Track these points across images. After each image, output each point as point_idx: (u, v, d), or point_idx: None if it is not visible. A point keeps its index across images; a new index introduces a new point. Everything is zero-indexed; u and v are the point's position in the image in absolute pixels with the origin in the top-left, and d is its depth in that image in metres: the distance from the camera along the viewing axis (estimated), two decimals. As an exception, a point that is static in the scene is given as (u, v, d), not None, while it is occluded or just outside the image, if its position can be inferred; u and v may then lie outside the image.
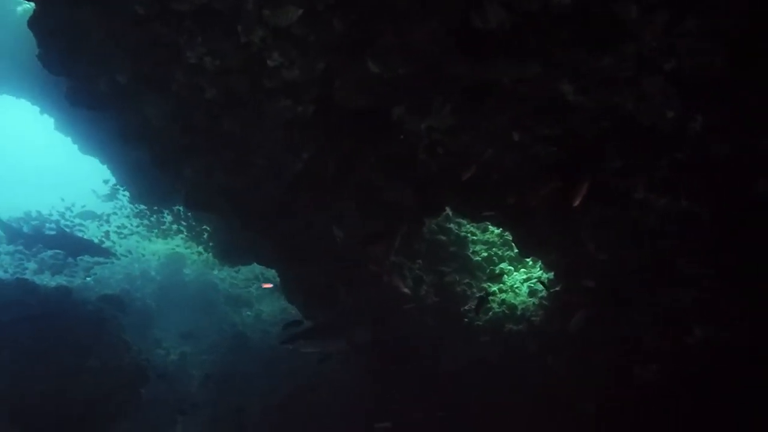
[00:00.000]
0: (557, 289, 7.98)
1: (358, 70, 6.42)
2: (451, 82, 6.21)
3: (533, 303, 8.52)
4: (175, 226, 18.19)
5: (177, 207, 17.10)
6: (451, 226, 10.46)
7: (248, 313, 19.59)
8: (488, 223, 10.13)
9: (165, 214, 17.44)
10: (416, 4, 5.72)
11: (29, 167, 44.97)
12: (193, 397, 14.56)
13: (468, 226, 10.63)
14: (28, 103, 16.61)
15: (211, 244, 17.17)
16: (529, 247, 7.68)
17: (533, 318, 8.25)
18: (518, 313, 8.57)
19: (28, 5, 13.17)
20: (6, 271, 14.83)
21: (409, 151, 7.14)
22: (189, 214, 16.67)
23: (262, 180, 7.75)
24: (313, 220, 8.35)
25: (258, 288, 19.62)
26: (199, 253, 18.43)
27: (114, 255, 15.37)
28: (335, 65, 6.49)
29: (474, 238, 10.42)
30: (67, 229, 16.79)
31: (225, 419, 13.94)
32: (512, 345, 8.33)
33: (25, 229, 14.26)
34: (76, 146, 17.14)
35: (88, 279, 19.26)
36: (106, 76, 6.93)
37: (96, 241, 14.56)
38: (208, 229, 16.65)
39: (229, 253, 15.72)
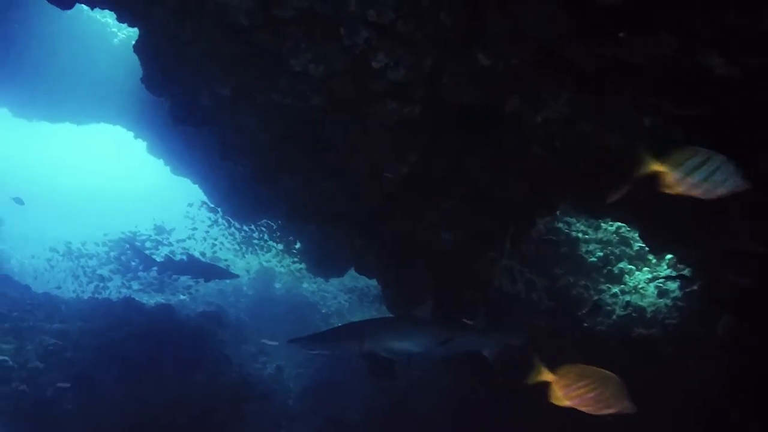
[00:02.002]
0: (695, 288, 7.23)
1: (467, 64, 6.04)
2: (568, 67, 5.70)
3: (665, 304, 7.78)
4: (264, 241, 18.43)
5: (267, 221, 17.33)
6: (560, 225, 9.86)
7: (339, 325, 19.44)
8: (606, 220, 9.49)
9: (255, 229, 17.69)
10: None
11: (123, 190, 47.46)
12: (290, 410, 14.55)
13: (579, 224, 9.98)
14: (123, 130, 17.37)
15: (302, 256, 17.26)
16: (661, 241, 6.99)
17: (668, 321, 7.51)
18: (648, 315, 7.85)
19: (123, 36, 13.73)
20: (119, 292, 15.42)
21: (522, 146, 6.66)
22: (278, 226, 16.83)
23: (365, 186, 7.48)
24: (418, 223, 7.98)
25: (348, 300, 19.57)
26: (294, 262, 18.47)
27: (238, 276, 15.72)
28: (442, 61, 6.14)
29: (586, 236, 9.76)
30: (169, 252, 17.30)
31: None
32: (643, 350, 7.62)
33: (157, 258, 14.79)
34: (167, 168, 17.80)
35: (183, 297, 19.86)
36: (208, 90, 6.89)
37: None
38: (300, 241, 16.73)
39: (322, 264, 15.70)
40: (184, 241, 19.99)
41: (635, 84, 5.40)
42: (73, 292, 16.24)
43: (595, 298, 8.42)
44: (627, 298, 8.40)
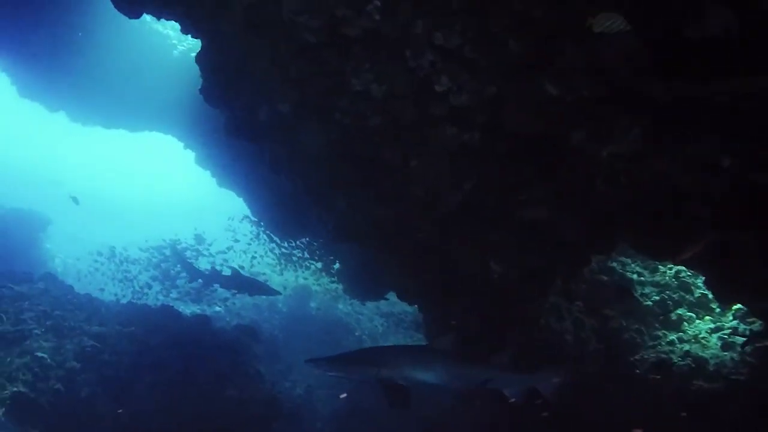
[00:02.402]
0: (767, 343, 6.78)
1: (533, 93, 5.84)
2: (642, 103, 5.45)
3: (731, 358, 7.31)
4: (304, 258, 18.36)
5: (309, 239, 17.27)
6: (614, 265, 9.47)
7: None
8: (665, 262, 9.08)
9: (296, 246, 17.64)
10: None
11: (170, 199, 48.46)
12: (319, 433, 14.31)
13: (634, 265, 9.58)
14: (174, 139, 17.66)
15: (339, 276, 17.12)
16: (730, 291, 6.57)
17: (734, 376, 7.04)
18: (710, 368, 7.39)
19: (183, 48, 14.02)
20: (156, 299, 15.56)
21: (584, 181, 6.39)
22: (319, 245, 16.76)
23: (417, 212, 7.29)
24: (467, 254, 7.73)
25: (383, 324, 19.32)
26: (331, 282, 18.35)
27: (279, 293, 15.76)
28: (507, 89, 5.95)
29: (642, 279, 9.33)
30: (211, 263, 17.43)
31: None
32: (702, 405, 7.15)
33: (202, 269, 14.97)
34: (214, 180, 18.00)
35: (218, 309, 19.93)
36: (267, 105, 6.85)
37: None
38: (339, 261, 16.60)
39: (360, 286, 15.53)
40: (225, 252, 20.12)
41: (716, 123, 5.11)
42: (114, 295, 16.45)
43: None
44: (686, 347, 7.95)
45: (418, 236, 7.58)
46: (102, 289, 17.09)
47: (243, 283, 14.01)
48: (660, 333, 8.60)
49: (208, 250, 20.20)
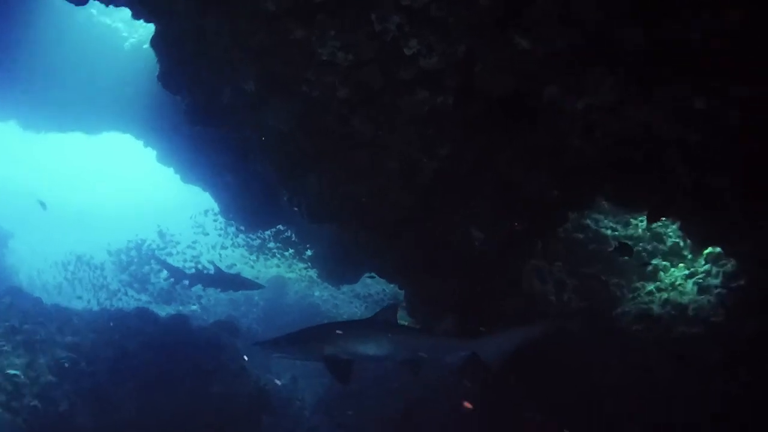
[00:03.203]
0: (741, 282, 6.88)
1: (504, 48, 5.74)
2: (617, 50, 5.41)
3: (707, 301, 7.42)
4: (277, 248, 18.11)
5: (280, 227, 17.01)
6: (588, 222, 9.53)
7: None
8: (639, 215, 9.16)
9: (268, 236, 17.36)
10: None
11: (134, 201, 47.22)
12: (308, 422, 14.19)
13: (606, 221, 9.65)
14: (133, 138, 17.09)
15: (313, 262, 16.94)
16: (709, 235, 6.64)
17: (713, 318, 7.15)
18: (690, 313, 7.49)
19: (134, 40, 13.49)
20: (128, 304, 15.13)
21: (558, 138, 6.35)
22: (293, 232, 16.52)
23: (392, 184, 7.16)
24: (446, 223, 7.66)
25: (361, 306, 19.23)
26: (305, 269, 18.16)
27: (263, 286, 15.35)
28: (478, 47, 5.84)
29: (615, 233, 9.41)
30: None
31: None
32: (687, 353, 7.25)
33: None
34: (178, 177, 17.50)
35: (194, 307, 19.54)
36: (230, 85, 6.59)
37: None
38: (312, 247, 16.41)
39: (335, 270, 15.36)
40: (192, 248, 19.76)
41: (690, 65, 5.10)
42: (87, 302, 15.97)
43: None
44: (664, 295, 8.05)
45: (396, 210, 7.46)
46: (80, 297, 16.60)
47: (226, 281, 13.85)
48: (638, 285, 8.70)
49: (175, 247, 19.75)
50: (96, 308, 13.19)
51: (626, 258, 7.76)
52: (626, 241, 8.32)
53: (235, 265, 19.45)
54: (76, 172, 51.63)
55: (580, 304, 8.75)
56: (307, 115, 6.46)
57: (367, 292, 19.14)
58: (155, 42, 6.81)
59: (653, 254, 8.91)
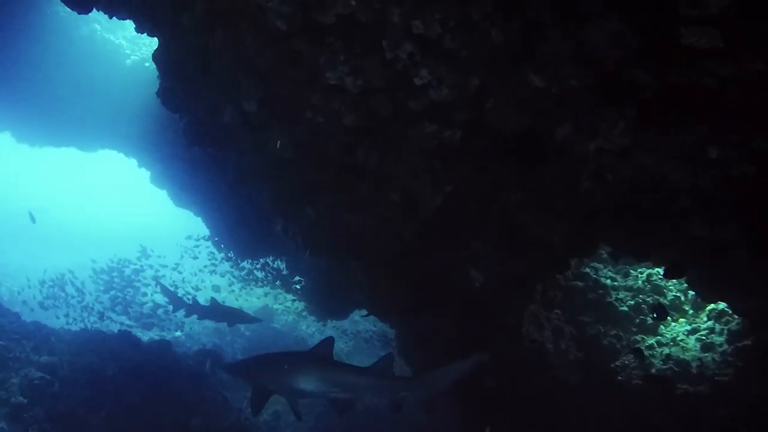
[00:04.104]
0: (748, 342, 6.64)
1: (517, 85, 5.60)
2: (629, 93, 5.27)
3: (712, 359, 7.15)
4: (265, 278, 17.78)
5: (271, 258, 16.70)
6: (588, 270, 9.33)
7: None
8: (639, 266, 8.98)
9: (257, 267, 17.02)
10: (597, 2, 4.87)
11: (124, 223, 46.70)
12: (288, 461, 13.63)
13: (606, 270, 9.45)
14: (127, 158, 16.87)
15: (303, 295, 16.60)
16: (716, 289, 6.42)
17: (718, 378, 6.87)
18: (693, 371, 7.21)
19: (136, 58, 13.41)
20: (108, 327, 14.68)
21: (569, 179, 6.16)
22: (286, 263, 16.20)
23: (393, 218, 6.93)
24: (446, 262, 7.41)
25: (347, 343, 18.81)
26: (293, 300, 17.79)
27: (260, 320, 15.08)
28: (490, 81, 5.70)
29: (615, 284, 9.21)
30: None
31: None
32: (689, 412, 6.95)
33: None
34: (170, 201, 17.23)
35: (177, 333, 19.01)
36: (231, 106, 6.40)
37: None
38: (302, 280, 16.08)
39: (324, 305, 15.03)
40: (174, 268, 19.42)
41: (705, 112, 4.96)
42: (67, 322, 15.48)
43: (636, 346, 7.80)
44: (666, 350, 7.79)
45: (395, 245, 7.21)
46: (66, 316, 16.12)
47: (222, 313, 13.54)
48: (638, 338, 8.45)
49: (153, 266, 19.33)
50: (76, 329, 12.69)
51: (660, 320, 7.51)
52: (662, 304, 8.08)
53: (219, 290, 19.10)
54: (68, 187, 51.28)
55: (578, 353, 8.47)
56: (310, 141, 6.26)
57: (356, 329, 18.77)
58: (157, 57, 6.65)
59: (653, 308, 8.68)
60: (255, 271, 17.49)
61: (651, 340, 8.19)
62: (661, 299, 8.79)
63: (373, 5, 5.39)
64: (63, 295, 17.03)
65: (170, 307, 14.68)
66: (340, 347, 19.27)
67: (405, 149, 6.19)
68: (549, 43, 5.25)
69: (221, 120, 6.62)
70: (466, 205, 6.64)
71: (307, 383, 6.34)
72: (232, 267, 17.48)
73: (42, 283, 17.58)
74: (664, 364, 7.57)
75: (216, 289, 18.79)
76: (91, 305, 16.77)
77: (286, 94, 5.97)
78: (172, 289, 16.10)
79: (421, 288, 7.96)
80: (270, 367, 6.74)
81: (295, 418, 15.51)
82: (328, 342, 6.63)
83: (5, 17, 11.55)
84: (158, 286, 16.81)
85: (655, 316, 7.67)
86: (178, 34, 6.22)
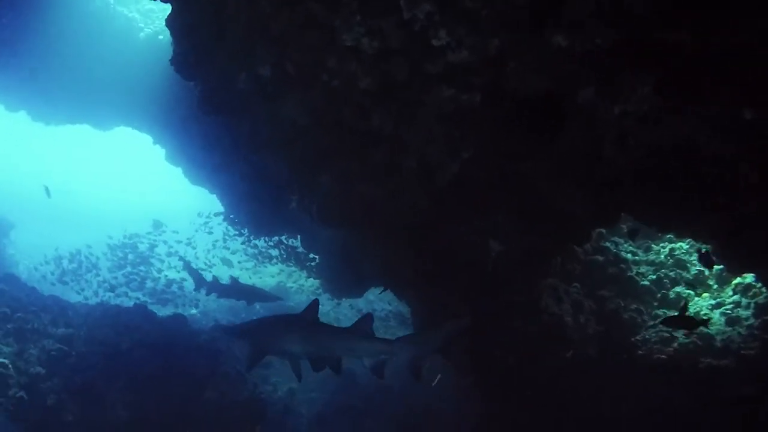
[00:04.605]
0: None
1: (539, 46, 5.40)
2: (660, 53, 5.05)
3: (738, 333, 6.98)
4: (280, 256, 17.74)
5: (286, 236, 16.65)
6: (608, 245, 9.13)
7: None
8: (663, 239, 8.78)
9: (271, 245, 16.98)
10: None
11: (139, 201, 47.01)
12: (303, 437, 13.70)
13: (626, 245, 9.26)
14: (143, 134, 16.82)
15: (318, 272, 16.55)
16: (745, 260, 6.22)
17: (744, 351, 6.70)
18: (718, 344, 7.05)
19: (150, 30, 13.27)
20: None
21: (590, 145, 5.98)
22: (300, 239, 16.14)
23: (409, 186, 6.80)
24: (462, 233, 7.27)
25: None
26: (308, 279, 17.75)
27: (281, 298, 15.27)
28: (511, 43, 5.50)
29: (636, 258, 9.01)
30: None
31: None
32: (714, 385, 6.80)
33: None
34: (185, 179, 17.19)
35: (193, 311, 19.11)
36: (247, 71, 6.27)
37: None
38: (317, 256, 16.01)
39: (339, 282, 14.95)
40: (187, 243, 19.45)
41: (741, 74, 4.73)
42: (84, 298, 15.61)
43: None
44: (692, 325, 7.60)
45: (411, 215, 7.08)
46: (81, 291, 16.26)
47: (242, 292, 13.67)
48: (660, 312, 8.28)
49: (167, 241, 19.35)
50: (93, 302, 12.77)
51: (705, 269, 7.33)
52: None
53: (231, 265, 19.15)
54: (82, 165, 51.58)
55: (597, 327, 8.33)
56: (325, 106, 6.12)
57: (371, 309, 18.73)
58: (170, 22, 6.52)
59: (676, 282, 8.50)
60: (270, 249, 17.47)
61: (673, 314, 8.01)
62: (685, 273, 8.60)
63: (390, -37, 5.23)
64: (79, 270, 17.15)
65: (184, 283, 14.72)
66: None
67: (421, 114, 6.03)
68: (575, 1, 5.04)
69: (236, 86, 6.50)
70: (483, 173, 6.48)
71: (293, 344, 6.73)
72: (243, 243, 17.46)
73: (57, 259, 17.70)
74: (686, 338, 7.39)
75: (227, 263, 18.77)
76: (105, 281, 16.86)
77: (300, 58, 5.82)
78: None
79: (436, 260, 7.84)
80: (263, 330, 7.28)
81: (309, 395, 15.56)
82: (314, 305, 6.91)
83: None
84: (183, 264, 16.91)
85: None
86: (191, -3, 6.10)
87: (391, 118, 6.11)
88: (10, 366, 8.66)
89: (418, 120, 6.10)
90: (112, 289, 16.35)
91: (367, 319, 6.72)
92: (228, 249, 18.60)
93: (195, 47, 6.50)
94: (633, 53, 5.11)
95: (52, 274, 17.23)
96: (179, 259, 18.11)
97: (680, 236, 7.89)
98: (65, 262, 17.49)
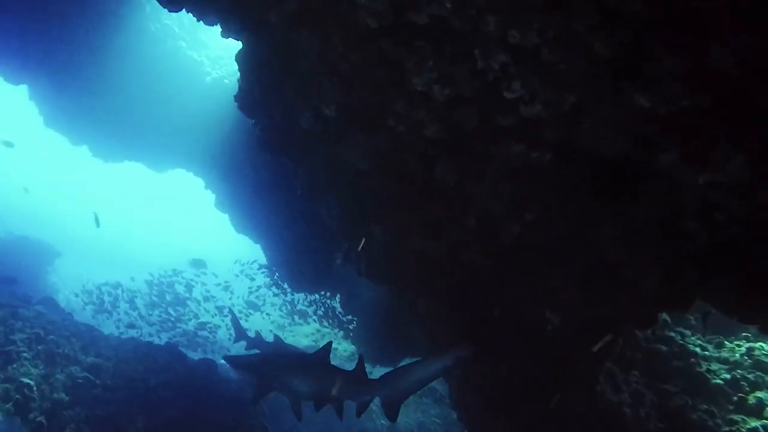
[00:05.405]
0: None
1: (618, 105, 5.08)
2: (754, 119, 4.65)
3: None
4: (317, 315, 17.42)
5: (325, 292, 16.34)
6: (672, 334, 8.41)
7: (382, 421, 18.13)
8: (740, 336, 8.04)
9: (314, 302, 16.65)
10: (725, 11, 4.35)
11: (183, 247, 47.75)
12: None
13: (694, 337, 8.51)
14: (195, 177, 17.08)
15: (355, 338, 16.06)
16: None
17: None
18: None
19: (216, 74, 13.66)
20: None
21: (669, 215, 5.50)
22: (335, 302, 15.80)
23: (466, 245, 6.41)
24: (518, 300, 6.77)
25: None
26: (344, 341, 17.30)
27: None
28: (588, 100, 5.21)
29: (705, 353, 8.24)
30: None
31: None
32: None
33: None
34: (231, 226, 17.24)
35: (223, 361, 18.73)
36: (311, 110, 6.15)
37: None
38: (354, 320, 15.58)
39: (378, 347, 14.39)
40: (225, 287, 19.37)
41: None
42: (117, 329, 15.52)
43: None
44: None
45: (467, 274, 6.65)
46: (119, 319, 16.26)
47: (285, 353, 13.19)
48: (737, 417, 7.42)
49: (205, 282, 19.26)
50: (125, 336, 12.59)
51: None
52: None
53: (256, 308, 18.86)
54: (132, 203, 53.08)
55: (660, 424, 7.52)
56: (388, 152, 5.90)
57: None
58: (240, 58, 6.54)
59: (757, 386, 7.66)
60: (307, 308, 17.19)
61: (754, 423, 7.16)
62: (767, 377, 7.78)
63: (468, 11, 5.08)
64: (116, 303, 17.18)
65: (218, 331, 14.41)
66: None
67: (488, 169, 5.72)
68: (660, 60, 4.74)
69: (298, 125, 6.38)
70: (548, 237, 6.05)
71: (300, 384, 6.90)
72: (275, 295, 17.19)
73: (90, 292, 17.81)
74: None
75: (253, 306, 18.55)
76: (143, 316, 16.79)
77: (367, 99, 5.67)
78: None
79: (484, 329, 7.31)
80: (271, 365, 7.39)
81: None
82: (327, 347, 7.08)
83: (98, 28, 11.96)
84: (229, 314, 16.75)
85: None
86: (263, 32, 6.09)
87: (455, 170, 5.81)
88: (35, 389, 8.43)
89: (483, 175, 5.79)
90: (146, 322, 16.22)
91: (325, 348, 7.00)
92: (260, 299, 18.41)
93: (261, 82, 6.46)
94: (723, 118, 4.72)
95: (92, 304, 17.32)
96: (224, 310, 17.93)
97: (765, 331, 7.14)
98: (105, 295, 17.57)
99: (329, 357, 6.99)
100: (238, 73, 7.07)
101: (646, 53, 4.79)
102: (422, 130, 5.58)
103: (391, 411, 6.85)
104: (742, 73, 4.41)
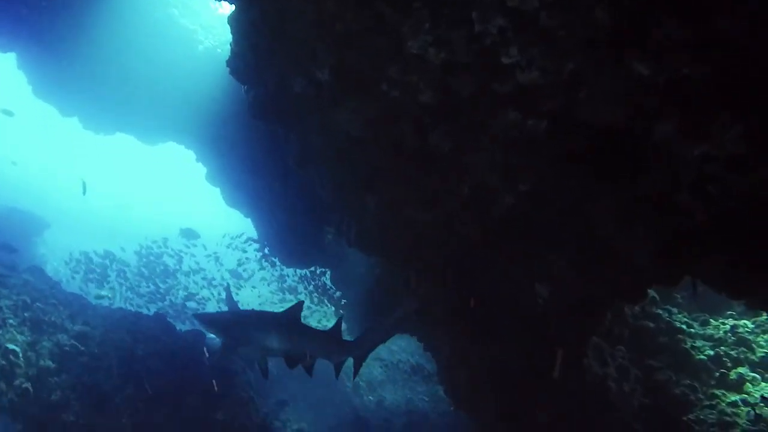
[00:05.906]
0: None
1: (617, 73, 5.00)
2: (757, 89, 4.59)
3: (815, 424, 6.19)
4: (307, 290, 17.41)
5: (316, 268, 16.32)
6: (660, 312, 8.47)
7: (370, 397, 18.24)
8: (726, 313, 8.08)
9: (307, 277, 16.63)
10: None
11: (174, 215, 47.50)
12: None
13: (680, 315, 8.57)
14: (186, 150, 16.88)
15: (344, 311, 16.08)
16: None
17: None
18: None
19: (209, 43, 13.41)
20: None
21: (665, 188, 5.46)
22: (325, 278, 15.78)
23: (458, 215, 6.36)
24: (511, 273, 6.75)
25: (383, 373, 18.10)
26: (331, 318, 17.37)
27: None
28: (587, 67, 5.12)
29: (691, 330, 8.30)
30: None
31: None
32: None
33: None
34: (222, 200, 17.10)
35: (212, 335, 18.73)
36: (304, 74, 6.04)
37: None
38: (344, 295, 15.58)
39: (367, 322, 14.40)
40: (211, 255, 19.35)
41: None
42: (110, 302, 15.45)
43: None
44: (757, 411, 6.82)
45: (459, 246, 6.61)
46: (111, 288, 16.18)
47: None
48: (718, 392, 7.49)
49: (195, 255, 19.15)
50: (114, 306, 12.52)
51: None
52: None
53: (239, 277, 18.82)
54: (123, 174, 52.67)
55: (644, 399, 7.59)
56: (381, 118, 5.80)
57: (395, 359, 18.16)
58: (233, 20, 6.39)
59: (738, 362, 7.73)
60: (298, 283, 17.19)
61: (735, 397, 7.23)
62: (750, 354, 7.84)
63: (467, -27, 4.97)
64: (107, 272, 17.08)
65: (206, 302, 14.36)
66: (375, 375, 18.70)
67: (483, 137, 5.64)
68: (663, 27, 4.65)
69: (291, 91, 6.27)
70: (541, 209, 6.01)
71: (271, 341, 6.91)
72: (262, 269, 17.14)
73: (78, 261, 17.68)
74: (752, 425, 6.61)
75: (236, 274, 18.56)
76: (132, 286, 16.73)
77: (362, 63, 5.56)
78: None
79: (479, 299, 7.30)
80: (241, 323, 7.32)
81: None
82: (298, 306, 7.25)
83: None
84: (225, 290, 16.71)
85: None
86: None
87: (449, 138, 5.74)
88: (20, 355, 8.36)
89: (478, 143, 5.72)
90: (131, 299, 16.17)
91: (296, 306, 7.13)
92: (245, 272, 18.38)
93: (253, 47, 6.33)
94: (724, 88, 4.66)
95: (80, 273, 17.21)
96: (224, 287, 17.97)
97: (753, 306, 7.17)
98: (94, 261, 17.44)
99: (300, 315, 7.12)
100: (231, 37, 6.93)
101: (648, 19, 4.71)
102: (416, 96, 5.48)
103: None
104: (748, 42, 4.34)
